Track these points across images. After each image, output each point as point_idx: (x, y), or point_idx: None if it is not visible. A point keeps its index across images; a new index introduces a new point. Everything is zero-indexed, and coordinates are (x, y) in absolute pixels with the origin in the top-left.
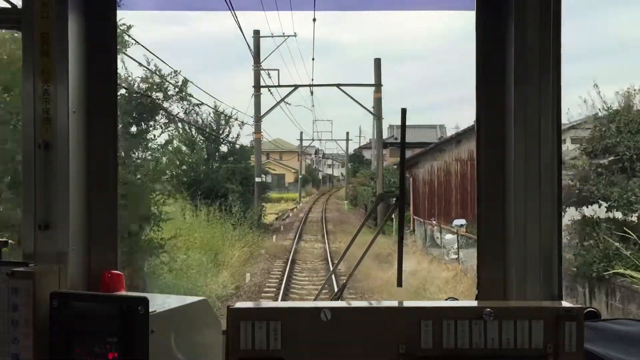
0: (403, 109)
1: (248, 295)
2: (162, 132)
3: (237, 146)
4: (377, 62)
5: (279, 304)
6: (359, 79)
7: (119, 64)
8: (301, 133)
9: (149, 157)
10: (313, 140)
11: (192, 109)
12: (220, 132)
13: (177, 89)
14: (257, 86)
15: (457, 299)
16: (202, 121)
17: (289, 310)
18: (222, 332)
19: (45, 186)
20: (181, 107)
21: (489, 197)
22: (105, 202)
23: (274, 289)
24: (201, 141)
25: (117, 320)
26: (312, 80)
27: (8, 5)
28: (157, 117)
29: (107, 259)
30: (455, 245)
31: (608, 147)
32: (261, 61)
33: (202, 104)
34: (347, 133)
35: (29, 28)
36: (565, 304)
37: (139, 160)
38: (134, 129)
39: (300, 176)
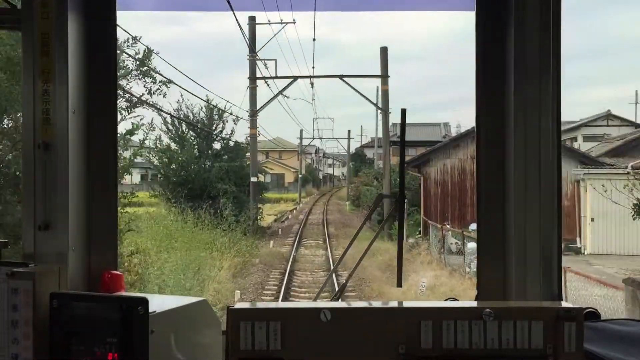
0: (403, 110)
1: None
2: (121, 120)
3: (232, 143)
4: (384, 51)
5: (279, 304)
6: (359, 79)
7: None
8: (301, 131)
9: None
10: (313, 138)
11: (159, 89)
12: (213, 127)
13: (137, 62)
14: (253, 77)
15: (457, 299)
16: (194, 116)
17: (288, 310)
18: (222, 333)
19: (45, 186)
20: (144, 87)
21: (489, 197)
22: (105, 202)
23: None
24: (192, 137)
25: (117, 320)
26: (313, 68)
27: (8, 6)
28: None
29: (106, 259)
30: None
31: None
32: (257, 50)
33: (171, 81)
34: (349, 131)
35: (28, 28)
36: (565, 304)
37: None
38: None
39: (300, 176)
